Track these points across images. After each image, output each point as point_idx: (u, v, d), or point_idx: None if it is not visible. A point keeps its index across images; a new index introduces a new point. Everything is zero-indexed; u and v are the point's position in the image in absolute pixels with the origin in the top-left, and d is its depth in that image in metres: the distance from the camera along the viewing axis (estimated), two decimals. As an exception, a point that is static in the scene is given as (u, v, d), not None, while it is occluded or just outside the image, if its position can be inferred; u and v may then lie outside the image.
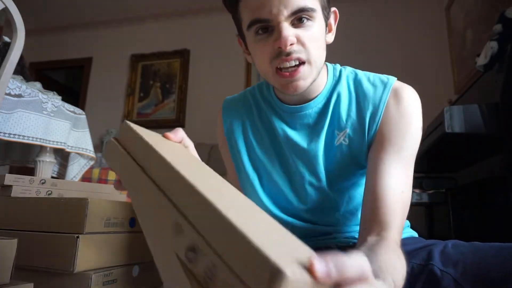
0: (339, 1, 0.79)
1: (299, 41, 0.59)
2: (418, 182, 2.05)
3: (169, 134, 0.54)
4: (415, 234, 0.75)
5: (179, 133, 0.56)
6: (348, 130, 0.67)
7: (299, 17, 0.59)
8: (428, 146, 1.84)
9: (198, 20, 4.15)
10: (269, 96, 0.75)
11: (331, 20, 0.67)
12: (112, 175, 2.08)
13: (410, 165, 0.62)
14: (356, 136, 0.67)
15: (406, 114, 0.64)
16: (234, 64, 3.93)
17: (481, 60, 1.62)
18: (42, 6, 4.15)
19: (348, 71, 0.72)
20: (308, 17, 0.59)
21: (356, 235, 0.69)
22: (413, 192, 2.29)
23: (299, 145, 0.69)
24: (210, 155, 3.63)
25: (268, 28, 0.60)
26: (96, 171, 2.11)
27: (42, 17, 4.34)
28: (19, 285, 0.61)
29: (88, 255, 0.80)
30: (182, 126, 3.95)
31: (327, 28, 0.65)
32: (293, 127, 0.71)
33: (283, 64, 0.59)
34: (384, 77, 0.68)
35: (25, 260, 0.80)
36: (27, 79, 1.51)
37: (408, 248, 0.64)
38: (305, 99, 0.69)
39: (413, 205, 2.37)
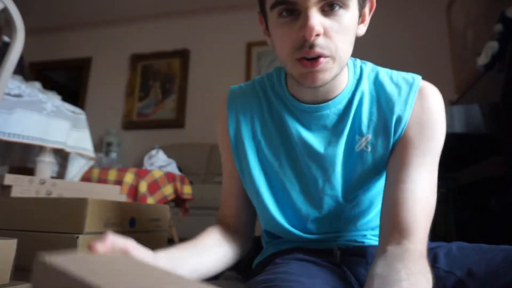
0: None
1: (326, 33, 0.52)
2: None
3: (95, 245, 0.38)
4: None
5: (108, 240, 0.39)
6: (370, 136, 0.61)
7: (330, 3, 0.51)
8: (428, 146, 1.84)
9: (198, 20, 4.15)
10: (281, 92, 0.66)
11: (367, 9, 0.59)
12: (112, 175, 2.08)
13: (434, 169, 0.58)
14: (379, 142, 0.60)
15: (432, 117, 0.59)
16: (234, 64, 3.93)
17: (482, 60, 1.62)
18: (42, 6, 4.15)
19: (369, 69, 0.65)
20: (341, 4, 0.52)
21: (357, 238, 0.68)
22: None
23: (314, 149, 0.62)
24: (210, 155, 3.63)
25: (294, 11, 0.52)
26: (96, 171, 2.11)
27: (42, 17, 4.34)
28: (19, 285, 0.60)
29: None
30: (182, 126, 3.95)
31: (360, 19, 0.58)
32: (308, 128, 0.63)
33: (305, 54, 0.53)
34: (409, 76, 0.62)
35: (25, 260, 0.80)
36: (27, 79, 1.51)
37: None
38: (322, 98, 0.61)
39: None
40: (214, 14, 4.10)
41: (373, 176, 0.63)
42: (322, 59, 0.53)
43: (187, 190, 2.42)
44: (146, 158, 2.34)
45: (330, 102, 0.61)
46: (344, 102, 0.62)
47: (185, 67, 4.08)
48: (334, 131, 0.62)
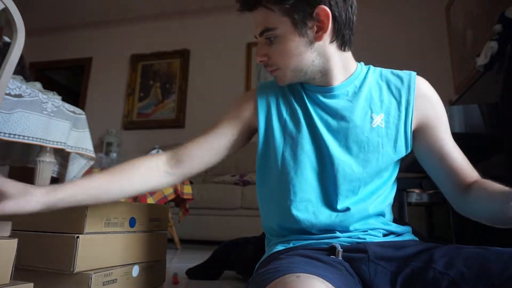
0: (339, 1, 0.78)
1: (269, 57, 0.72)
2: (418, 182, 2.05)
3: None
4: (416, 239, 0.75)
5: None
6: (384, 115, 0.73)
7: (266, 37, 0.70)
8: (428, 146, 1.84)
9: (198, 20, 4.15)
10: (302, 83, 0.79)
11: (321, 19, 0.68)
12: (112, 175, 2.08)
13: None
14: (391, 120, 0.73)
15: (435, 96, 0.76)
16: (234, 64, 3.93)
17: (481, 60, 1.62)
18: (42, 6, 4.15)
19: (372, 67, 0.79)
20: (274, 36, 0.69)
21: (360, 235, 0.69)
22: (413, 192, 2.30)
23: (330, 124, 0.73)
24: (210, 155, 3.63)
25: (258, 42, 0.74)
26: (96, 171, 2.11)
27: (42, 17, 4.34)
28: (19, 285, 0.61)
29: (88, 255, 0.80)
30: (182, 126, 3.96)
31: (308, 32, 0.69)
32: (323, 108, 0.75)
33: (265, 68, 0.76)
34: (405, 71, 0.78)
35: (25, 260, 0.80)
36: (27, 79, 1.51)
37: (408, 251, 0.65)
38: (329, 84, 0.75)
39: (413, 205, 2.36)
40: (214, 14, 4.10)
41: (389, 153, 0.73)
42: (274, 71, 0.74)
43: (187, 190, 2.42)
44: (146, 158, 2.34)
45: (335, 86, 0.74)
46: (352, 87, 0.74)
47: (185, 67, 4.08)
48: (347, 109, 0.73)
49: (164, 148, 2.98)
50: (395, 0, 3.48)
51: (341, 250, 0.65)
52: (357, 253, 0.65)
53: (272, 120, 0.78)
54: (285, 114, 0.78)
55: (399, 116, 0.73)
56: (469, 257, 0.57)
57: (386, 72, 0.78)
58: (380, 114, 0.73)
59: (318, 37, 0.69)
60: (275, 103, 0.80)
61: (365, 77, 0.76)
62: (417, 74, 0.76)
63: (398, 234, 0.74)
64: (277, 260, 0.62)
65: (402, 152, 0.74)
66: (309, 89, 0.77)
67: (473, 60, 1.90)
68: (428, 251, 0.62)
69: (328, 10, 0.67)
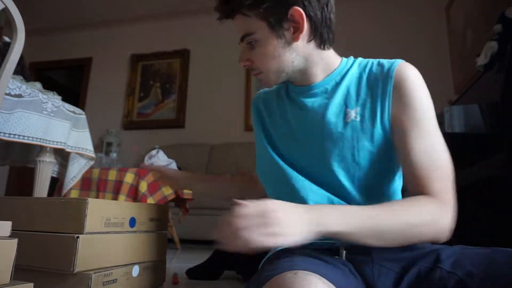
0: (338, 1, 0.79)
1: (252, 61, 0.74)
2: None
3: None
4: None
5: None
6: (359, 109, 0.71)
7: (247, 42, 0.73)
8: (428, 146, 1.83)
9: (198, 20, 4.15)
10: (288, 84, 0.82)
11: (296, 20, 0.69)
12: (112, 175, 2.08)
13: (433, 131, 0.68)
14: (368, 113, 0.70)
15: (415, 87, 0.69)
16: (234, 64, 3.91)
17: (481, 60, 1.62)
18: (42, 6, 4.15)
19: (360, 60, 0.78)
20: (255, 40, 0.72)
21: None
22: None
23: (309, 122, 0.74)
24: (210, 155, 3.64)
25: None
26: (96, 171, 2.11)
27: (42, 17, 4.35)
28: (19, 285, 0.61)
29: (88, 255, 0.80)
30: (182, 126, 3.96)
31: (285, 34, 0.70)
32: (302, 106, 0.77)
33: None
34: (392, 60, 0.74)
35: (25, 260, 0.80)
36: (27, 79, 1.51)
37: (416, 252, 0.64)
38: (309, 83, 0.77)
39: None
40: (214, 14, 4.08)
41: (367, 146, 0.70)
42: (258, 74, 0.75)
43: (187, 190, 2.42)
44: (146, 158, 2.34)
45: (315, 84, 0.76)
46: (331, 83, 0.75)
47: (185, 67, 4.08)
48: (322, 107, 0.74)
49: (164, 148, 2.98)
50: (395, 0, 3.48)
51: (344, 251, 0.65)
52: (361, 255, 0.64)
53: (259, 127, 0.84)
54: (266, 119, 0.83)
55: (375, 108, 0.70)
56: (477, 257, 0.56)
57: (372, 63, 0.75)
58: (356, 108, 0.71)
59: (295, 38, 0.71)
60: (263, 110, 0.86)
61: (346, 72, 0.75)
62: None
63: None
64: (279, 259, 0.62)
65: (381, 145, 0.70)
66: (292, 90, 0.80)
67: (473, 60, 1.90)
68: (434, 251, 0.62)
69: (302, 10, 0.68)
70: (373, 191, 0.71)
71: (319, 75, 0.75)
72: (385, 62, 0.74)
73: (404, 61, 0.73)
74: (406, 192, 0.71)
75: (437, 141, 0.68)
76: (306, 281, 0.49)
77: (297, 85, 0.78)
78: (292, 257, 0.61)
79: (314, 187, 0.71)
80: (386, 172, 0.73)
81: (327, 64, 0.75)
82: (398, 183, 0.75)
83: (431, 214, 0.60)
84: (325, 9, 0.71)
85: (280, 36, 0.71)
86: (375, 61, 0.76)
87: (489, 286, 0.51)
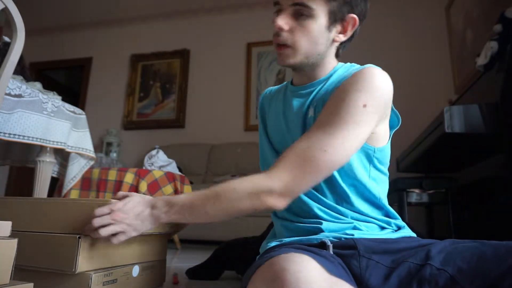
0: (339, 1, 0.80)
1: (291, 30, 0.72)
2: (418, 182, 2.05)
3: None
4: (413, 235, 0.75)
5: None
6: (315, 104, 0.76)
7: (298, 11, 0.71)
8: (428, 146, 1.84)
9: (198, 20, 4.15)
10: (288, 84, 0.87)
11: (349, 24, 0.75)
12: (112, 175, 2.08)
13: (334, 129, 0.66)
14: (318, 108, 0.75)
15: (353, 86, 0.69)
16: (234, 64, 3.93)
17: (481, 60, 1.63)
18: (42, 6, 4.16)
19: (349, 65, 0.80)
20: (307, 14, 0.71)
21: (347, 231, 0.69)
22: (413, 192, 2.30)
23: (289, 118, 0.80)
24: (210, 155, 3.64)
25: (279, 10, 0.74)
26: (96, 171, 2.11)
27: (42, 17, 4.35)
28: (19, 285, 0.61)
29: (89, 256, 0.80)
30: (182, 126, 3.96)
31: (334, 29, 0.74)
32: (290, 105, 0.81)
33: (274, 40, 0.74)
34: (368, 65, 0.75)
35: (26, 260, 0.80)
36: (27, 79, 1.51)
37: (402, 245, 0.65)
38: (306, 82, 0.80)
39: (413, 205, 2.36)
40: (214, 14, 4.10)
41: None
42: (284, 47, 0.73)
43: (187, 190, 2.42)
44: (146, 158, 2.34)
45: (306, 85, 0.80)
46: (316, 87, 0.79)
47: (185, 67, 4.08)
48: (301, 105, 0.79)
49: (164, 148, 2.98)
50: (395, 0, 3.48)
51: (331, 245, 0.65)
52: (347, 250, 0.65)
53: (262, 123, 0.90)
54: (267, 115, 0.89)
55: (321, 105, 0.74)
56: (466, 252, 0.57)
57: (354, 67, 0.78)
58: (316, 105, 0.76)
59: (336, 37, 0.75)
60: (266, 107, 0.91)
61: (330, 76, 0.78)
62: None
63: (395, 230, 0.74)
64: (272, 251, 0.64)
65: None
66: (289, 89, 0.85)
67: (473, 60, 1.90)
68: (424, 247, 0.62)
69: (358, 22, 0.75)
70: (349, 174, 0.73)
71: (318, 75, 0.79)
72: (359, 67, 0.76)
73: (376, 67, 0.73)
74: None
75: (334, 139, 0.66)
76: (299, 258, 0.52)
77: (294, 84, 0.83)
78: (284, 248, 0.64)
79: None
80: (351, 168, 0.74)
81: (327, 69, 0.79)
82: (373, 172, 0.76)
83: (251, 186, 0.66)
84: (358, 29, 0.77)
85: (330, 28, 0.73)
86: (358, 66, 0.78)
87: (479, 281, 0.52)
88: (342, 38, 0.76)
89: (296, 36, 0.72)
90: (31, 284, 0.63)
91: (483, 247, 0.57)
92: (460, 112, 1.52)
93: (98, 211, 0.71)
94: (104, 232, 0.69)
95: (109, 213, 0.70)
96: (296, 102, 0.80)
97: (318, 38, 0.73)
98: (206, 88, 3.98)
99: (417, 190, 2.05)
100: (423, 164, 2.36)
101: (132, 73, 4.23)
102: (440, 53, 3.20)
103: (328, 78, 0.78)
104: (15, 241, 0.62)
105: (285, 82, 0.92)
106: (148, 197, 0.73)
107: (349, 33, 0.76)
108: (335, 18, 0.73)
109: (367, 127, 0.68)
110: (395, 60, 3.21)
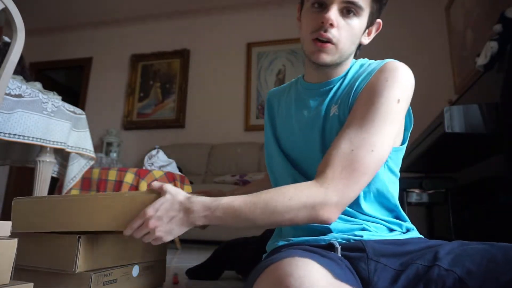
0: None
1: (338, 27, 0.70)
2: (418, 182, 2.05)
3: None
4: (421, 236, 0.75)
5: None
6: (340, 102, 0.75)
7: (348, 8, 0.70)
8: (428, 146, 1.84)
9: (198, 20, 4.15)
10: (300, 80, 0.86)
11: (374, 27, 0.78)
12: (112, 175, 2.08)
13: (375, 127, 0.65)
14: (342, 106, 0.74)
15: (384, 84, 0.69)
16: (234, 64, 3.93)
17: (481, 60, 1.62)
18: (42, 6, 4.15)
19: (365, 60, 0.81)
20: (355, 12, 0.70)
21: (356, 232, 0.68)
22: (413, 192, 2.30)
23: (304, 115, 0.79)
24: (210, 155, 3.64)
25: (323, 5, 0.71)
26: (96, 171, 2.11)
27: (42, 17, 4.34)
28: (19, 285, 0.61)
29: (89, 255, 0.80)
30: (182, 126, 3.96)
31: (366, 31, 0.76)
32: (305, 103, 0.80)
33: (319, 35, 0.71)
34: (390, 60, 0.75)
35: (26, 260, 0.80)
36: (27, 79, 1.51)
37: (411, 247, 0.64)
38: (323, 80, 0.79)
39: (413, 205, 2.36)
40: (214, 14, 4.10)
41: None
42: (329, 44, 0.71)
43: (187, 190, 2.42)
44: (146, 158, 2.34)
45: (324, 82, 0.79)
46: (336, 84, 0.78)
47: (185, 67, 4.08)
48: (319, 103, 0.78)
49: (164, 148, 2.98)
50: (395, 0, 3.48)
51: (339, 247, 0.65)
52: (355, 252, 0.64)
53: (268, 121, 0.89)
54: (276, 113, 0.88)
55: (348, 100, 0.73)
56: (475, 254, 0.56)
57: (370, 62, 0.79)
58: (337, 103, 0.75)
59: (363, 40, 0.77)
60: (274, 105, 0.90)
61: (347, 73, 0.79)
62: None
63: (404, 232, 0.74)
64: (277, 252, 0.64)
65: None
66: (302, 85, 0.84)
67: (473, 60, 1.90)
68: (431, 248, 0.61)
69: (381, 26, 0.77)
70: None
71: (335, 74, 0.79)
72: (378, 61, 0.77)
73: (395, 60, 0.75)
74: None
75: (373, 139, 0.65)
76: (303, 262, 0.51)
77: (307, 81, 0.82)
78: (290, 249, 0.63)
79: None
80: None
81: (345, 67, 0.79)
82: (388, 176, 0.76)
83: (305, 197, 0.61)
84: None
85: (369, 24, 0.75)
86: (374, 61, 0.79)
87: (488, 285, 0.51)
88: (366, 40, 0.78)
89: (342, 34, 0.71)
90: (31, 284, 0.63)
91: (493, 250, 0.56)
92: (460, 112, 1.52)
93: (134, 224, 0.67)
94: (143, 240, 0.68)
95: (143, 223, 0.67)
96: (313, 101, 0.79)
97: (358, 38, 0.74)
98: (206, 88, 3.98)
99: (417, 190, 2.05)
100: (423, 164, 2.36)
101: (132, 73, 4.23)
102: (440, 53, 3.20)
103: (346, 75, 0.78)
104: (15, 241, 0.62)
105: (294, 80, 0.91)
106: (181, 198, 0.67)
107: (372, 36, 0.78)
108: (371, 21, 0.74)
109: (399, 123, 0.70)
110: (395, 59, 3.20)
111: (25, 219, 0.79)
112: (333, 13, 0.69)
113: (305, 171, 0.78)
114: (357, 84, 0.73)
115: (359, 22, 0.71)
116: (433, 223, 2.69)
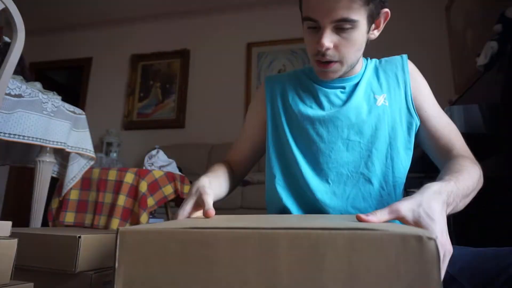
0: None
1: (336, 47, 0.70)
2: (418, 182, 2.05)
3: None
4: None
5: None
6: (386, 94, 0.79)
7: (340, 26, 0.68)
8: (428, 146, 1.84)
9: (198, 20, 4.15)
10: (312, 73, 0.85)
11: (381, 19, 0.75)
12: (112, 175, 2.08)
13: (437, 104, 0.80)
14: (393, 97, 0.78)
15: (420, 77, 0.82)
16: (234, 64, 3.93)
17: (481, 60, 1.62)
18: (42, 6, 4.15)
19: (369, 60, 0.86)
20: (350, 27, 0.68)
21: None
22: (413, 192, 2.30)
23: (337, 105, 0.80)
24: (210, 155, 3.63)
25: (316, 26, 0.70)
26: (96, 171, 2.11)
27: (42, 17, 4.34)
28: (19, 285, 0.61)
29: (89, 255, 0.80)
30: (182, 126, 3.96)
31: (372, 27, 0.74)
32: (328, 94, 0.81)
33: (320, 59, 0.72)
34: (395, 56, 0.84)
35: (26, 260, 0.80)
36: (27, 79, 1.51)
37: None
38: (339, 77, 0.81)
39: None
40: (214, 14, 4.10)
41: (395, 130, 0.77)
42: (332, 64, 0.72)
43: (187, 190, 2.42)
44: (146, 158, 2.34)
45: (346, 77, 0.80)
46: (357, 79, 0.81)
47: (185, 67, 4.08)
48: (350, 95, 0.79)
49: (164, 148, 2.98)
50: (395, 0, 3.48)
51: None
52: None
53: (278, 107, 0.85)
54: (280, 102, 0.85)
55: (399, 91, 0.79)
56: (466, 254, 0.58)
57: (382, 60, 0.85)
58: (383, 94, 0.79)
59: (372, 35, 0.76)
60: (281, 91, 0.86)
61: (364, 70, 0.82)
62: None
63: None
64: None
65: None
66: (315, 79, 0.83)
67: (473, 60, 1.90)
68: None
69: (389, 14, 0.75)
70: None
71: (351, 73, 0.81)
72: (392, 58, 0.84)
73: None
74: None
75: (446, 117, 0.79)
76: None
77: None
78: None
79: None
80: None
81: (359, 66, 0.81)
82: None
83: (474, 170, 0.68)
84: None
85: (368, 29, 0.74)
86: (383, 59, 0.85)
87: (478, 279, 0.53)
88: (376, 34, 0.77)
89: (343, 50, 0.71)
90: (31, 284, 0.63)
91: (486, 250, 0.58)
92: (460, 112, 1.52)
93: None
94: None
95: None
96: (333, 95, 0.80)
97: (362, 44, 0.74)
98: (206, 88, 3.98)
99: (417, 190, 2.05)
100: (423, 164, 2.36)
101: (132, 73, 4.23)
102: (440, 53, 3.20)
103: (364, 71, 0.82)
104: (15, 241, 0.62)
105: (298, 70, 0.91)
106: (444, 195, 0.61)
107: (382, 26, 0.77)
108: (372, 20, 0.73)
109: None
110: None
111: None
112: (327, 37, 0.68)
113: (314, 157, 0.78)
114: (401, 81, 0.80)
115: (358, 33, 0.70)
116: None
